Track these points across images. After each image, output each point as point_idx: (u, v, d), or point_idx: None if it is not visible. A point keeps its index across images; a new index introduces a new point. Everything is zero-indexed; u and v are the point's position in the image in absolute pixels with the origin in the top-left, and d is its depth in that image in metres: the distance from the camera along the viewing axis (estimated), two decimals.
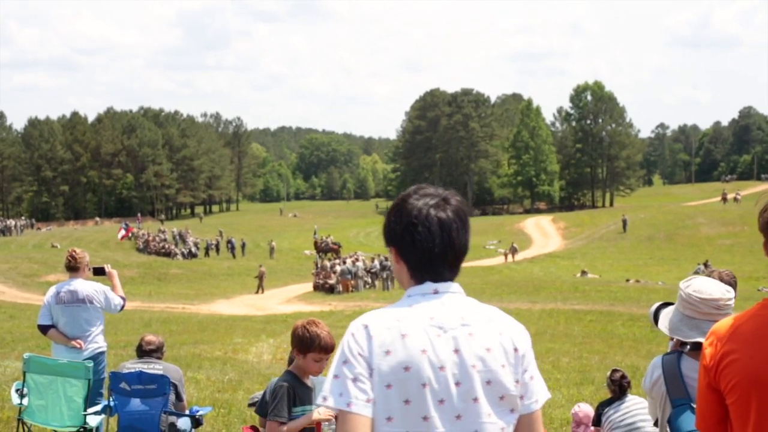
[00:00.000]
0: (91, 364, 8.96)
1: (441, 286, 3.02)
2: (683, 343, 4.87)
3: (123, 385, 8.37)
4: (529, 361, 3.04)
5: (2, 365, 17.37)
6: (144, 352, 8.91)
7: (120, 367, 8.76)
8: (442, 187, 3.12)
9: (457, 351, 2.89)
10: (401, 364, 2.83)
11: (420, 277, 3.05)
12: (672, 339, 5.29)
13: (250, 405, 9.22)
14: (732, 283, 5.55)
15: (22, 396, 9.03)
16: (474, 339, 2.92)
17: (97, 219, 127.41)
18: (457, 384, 2.86)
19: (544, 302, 38.08)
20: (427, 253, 3.01)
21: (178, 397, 8.65)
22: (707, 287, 4.76)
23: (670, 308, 5.02)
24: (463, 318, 2.95)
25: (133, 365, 8.70)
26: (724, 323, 3.22)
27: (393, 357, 2.84)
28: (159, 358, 8.93)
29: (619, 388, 9.04)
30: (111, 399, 8.46)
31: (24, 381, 9.08)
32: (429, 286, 3.02)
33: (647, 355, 21.99)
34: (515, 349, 2.99)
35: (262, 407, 7.82)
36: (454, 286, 3.05)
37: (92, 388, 8.93)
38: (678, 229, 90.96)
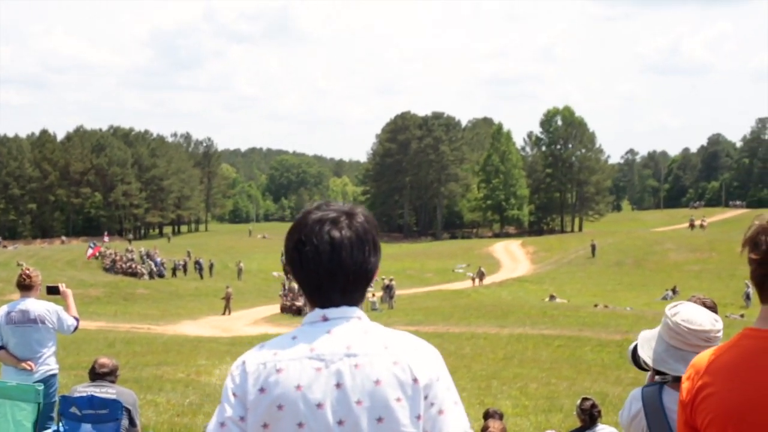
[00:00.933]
0: (41, 387, 8.55)
1: (331, 312, 2.72)
2: (662, 373, 4.55)
3: (73, 409, 8.02)
4: (437, 391, 2.64)
5: None
6: (97, 375, 8.57)
7: (71, 391, 8.40)
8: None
9: (339, 385, 2.58)
10: (274, 402, 2.58)
11: (312, 302, 2.78)
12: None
13: None
14: (715, 310, 5.25)
15: None
16: (360, 371, 2.59)
17: (63, 238, 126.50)
18: (339, 423, 2.56)
19: (512, 327, 37.93)
20: (314, 274, 2.72)
21: (132, 423, 8.31)
22: (697, 317, 4.41)
23: (650, 333, 4.68)
24: (350, 347, 2.64)
25: (84, 389, 8.35)
26: (703, 355, 2.89)
27: (267, 395, 2.59)
28: (112, 382, 8.59)
29: (590, 418, 8.83)
30: (61, 424, 8.12)
31: None
32: (317, 313, 2.74)
33: (616, 382, 21.82)
34: (414, 380, 2.59)
35: None
36: (348, 312, 2.73)
37: (42, 412, 8.52)
38: (646, 254, 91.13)
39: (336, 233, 2.72)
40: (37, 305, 9.54)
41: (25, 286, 9.62)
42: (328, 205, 2.86)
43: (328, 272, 2.70)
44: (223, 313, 52.26)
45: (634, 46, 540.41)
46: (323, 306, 2.73)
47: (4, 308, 9.60)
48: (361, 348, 2.63)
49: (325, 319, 2.70)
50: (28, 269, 9.81)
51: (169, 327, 44.34)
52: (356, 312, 2.74)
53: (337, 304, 2.72)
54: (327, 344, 2.64)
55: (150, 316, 51.07)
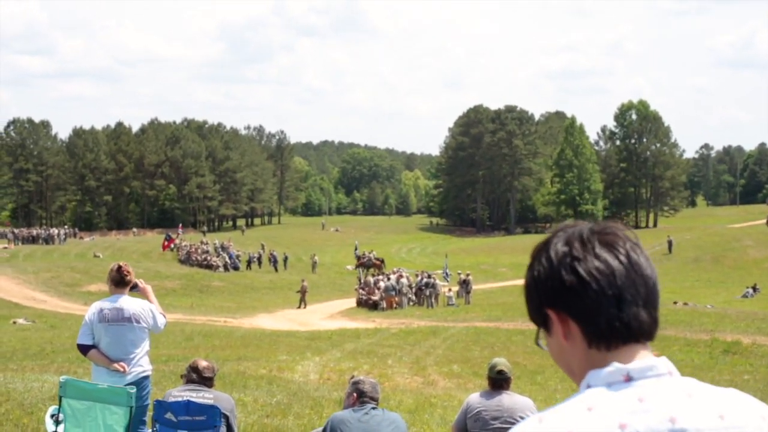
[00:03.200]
0: (133, 389, 8.05)
1: (635, 366, 1.89)
2: None
3: (169, 415, 7.56)
4: None
5: (41, 380, 16.71)
6: (193, 379, 8.08)
7: (166, 396, 7.92)
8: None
9: None
10: None
11: (597, 347, 1.93)
12: None
13: None
14: None
15: (57, 423, 8.22)
16: None
17: (134, 230, 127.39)
18: None
19: None
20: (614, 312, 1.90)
21: (230, 429, 7.83)
22: None
23: None
24: (675, 420, 1.81)
25: (180, 393, 7.87)
26: None
27: None
28: (210, 386, 8.12)
29: None
30: (155, 430, 7.67)
31: (60, 406, 8.24)
32: (615, 369, 1.88)
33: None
34: None
35: None
36: (658, 365, 1.91)
37: (134, 416, 8.05)
38: (725, 251, 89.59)
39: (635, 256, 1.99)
40: (132, 303, 9.03)
41: (122, 282, 9.09)
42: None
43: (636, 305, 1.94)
44: (299, 307, 51.97)
45: (706, 39, 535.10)
46: (621, 359, 1.92)
47: (97, 305, 9.06)
48: (690, 421, 1.82)
49: (629, 378, 1.88)
50: (125, 264, 9.27)
51: (246, 320, 44.13)
52: (667, 364, 1.93)
53: (635, 352, 1.93)
54: (642, 418, 1.81)
55: (226, 308, 51.02)
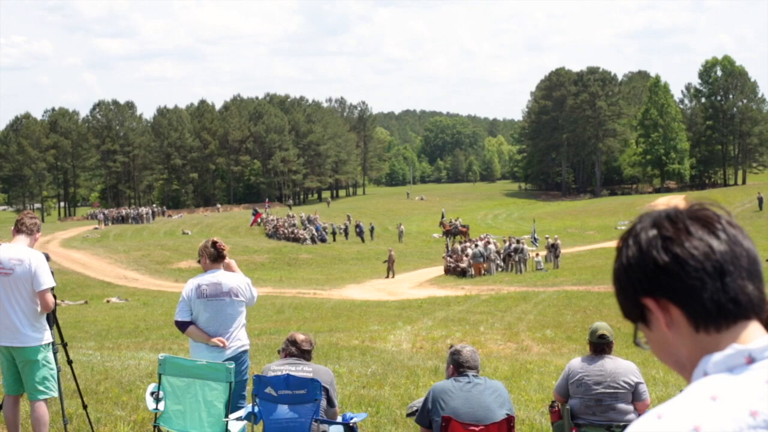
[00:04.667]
0: (232, 365, 8.00)
1: (756, 345, 1.72)
2: None
3: (269, 390, 7.52)
4: None
5: (137, 357, 16.93)
6: (292, 353, 8.04)
7: (265, 370, 7.87)
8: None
9: None
10: None
11: (711, 335, 1.77)
12: None
13: (409, 415, 8.34)
14: None
15: (157, 400, 8.23)
16: None
17: (219, 206, 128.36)
18: None
19: None
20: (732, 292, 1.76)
21: (330, 403, 7.77)
22: None
23: None
24: None
25: (279, 367, 7.81)
26: None
27: None
28: (309, 359, 8.06)
29: None
30: (255, 405, 7.64)
31: (159, 384, 8.26)
32: (736, 351, 1.72)
33: None
34: None
35: (423, 417, 7.08)
36: None
37: (234, 391, 8.04)
38: None
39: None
40: (229, 277, 8.99)
41: (222, 256, 9.07)
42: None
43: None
44: (387, 276, 52.06)
45: None
46: (733, 336, 1.77)
47: (194, 281, 9.03)
48: None
49: (752, 360, 1.71)
50: (218, 240, 9.25)
51: (335, 291, 44.31)
52: None
53: (749, 330, 1.78)
54: None
55: (315, 280, 51.26)
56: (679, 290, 1.75)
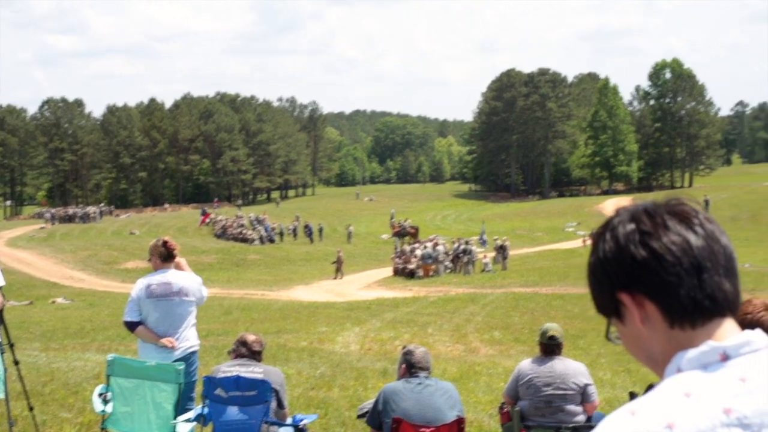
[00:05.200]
0: (182, 366, 7.96)
1: (731, 342, 1.71)
2: None
3: (219, 391, 7.49)
4: None
5: (83, 358, 16.80)
6: (243, 354, 8.01)
7: (215, 371, 7.84)
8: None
9: None
10: None
11: (686, 332, 1.77)
12: None
13: (359, 416, 8.35)
14: None
15: (105, 402, 8.17)
16: None
17: (167, 205, 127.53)
18: None
19: None
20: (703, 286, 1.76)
21: (280, 405, 7.74)
22: None
23: None
24: None
25: (229, 368, 7.78)
26: None
27: None
28: (259, 360, 8.04)
29: None
30: (204, 406, 7.61)
31: (108, 385, 8.19)
32: (710, 347, 1.71)
33: None
34: None
35: (374, 418, 7.10)
36: (753, 339, 1.73)
37: (183, 392, 8.00)
38: (762, 209, 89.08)
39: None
40: (180, 276, 8.96)
41: (171, 256, 9.03)
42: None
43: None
44: (335, 277, 52.08)
45: None
46: (707, 333, 1.77)
47: (144, 281, 8.98)
48: None
49: (726, 356, 1.70)
50: (168, 239, 9.21)
51: (283, 292, 44.26)
52: (763, 337, 1.75)
53: (724, 327, 1.78)
54: (748, 400, 1.61)
55: (263, 281, 51.17)
56: (655, 285, 1.75)
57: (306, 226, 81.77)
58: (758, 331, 1.75)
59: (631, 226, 1.81)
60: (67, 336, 24.88)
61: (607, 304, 1.85)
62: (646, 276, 1.76)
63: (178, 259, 9.18)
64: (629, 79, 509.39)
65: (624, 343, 1.88)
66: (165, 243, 9.03)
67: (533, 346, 8.71)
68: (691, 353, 1.71)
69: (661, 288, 1.75)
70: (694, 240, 1.76)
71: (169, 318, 8.78)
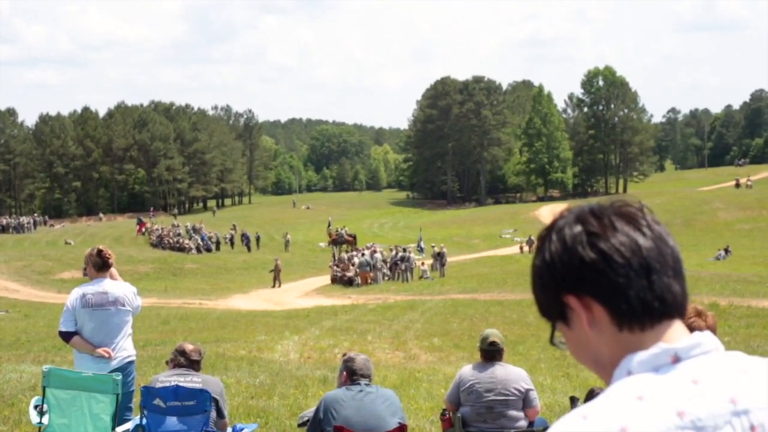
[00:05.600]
0: (119, 376, 7.84)
1: (682, 344, 1.68)
2: None
3: (157, 401, 7.38)
4: None
5: (18, 370, 16.50)
6: (181, 363, 7.90)
7: (153, 381, 7.73)
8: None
9: None
10: None
11: (635, 334, 1.74)
12: None
13: (300, 425, 8.26)
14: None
15: (41, 414, 8.01)
16: None
17: (101, 215, 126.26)
18: None
19: None
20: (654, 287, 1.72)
21: (220, 414, 7.66)
22: None
23: None
24: (736, 401, 1.61)
25: (167, 378, 7.67)
26: None
27: None
28: (198, 370, 7.93)
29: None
30: (143, 417, 7.49)
31: (44, 397, 8.03)
32: (661, 349, 1.68)
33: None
34: None
35: (314, 426, 7.03)
36: (705, 341, 1.70)
37: (121, 403, 7.87)
38: (695, 214, 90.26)
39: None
40: (115, 286, 8.84)
41: (107, 265, 8.90)
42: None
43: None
44: (273, 286, 51.89)
45: (668, 4, 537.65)
46: (657, 335, 1.73)
47: (78, 290, 8.84)
48: (752, 400, 1.63)
49: (677, 359, 1.67)
50: (104, 248, 9.07)
51: (221, 301, 44.06)
52: (713, 339, 1.73)
53: (673, 329, 1.74)
54: (701, 403, 1.60)
55: (200, 290, 50.86)
56: (604, 287, 1.70)
57: (243, 235, 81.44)
58: (708, 333, 1.71)
59: (578, 228, 1.77)
60: (2, 348, 24.48)
61: (553, 308, 1.80)
62: (595, 278, 1.71)
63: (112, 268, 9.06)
64: (563, 87, 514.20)
65: (570, 347, 1.83)
66: (100, 252, 8.89)
67: (473, 352, 8.70)
68: (642, 355, 1.68)
69: (609, 290, 1.70)
70: (643, 241, 1.72)
71: (105, 328, 8.65)
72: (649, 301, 1.69)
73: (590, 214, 1.78)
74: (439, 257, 53.55)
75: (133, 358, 8.94)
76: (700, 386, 1.61)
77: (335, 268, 53.78)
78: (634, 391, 1.61)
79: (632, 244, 1.71)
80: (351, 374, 7.13)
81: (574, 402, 8.08)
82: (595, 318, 1.73)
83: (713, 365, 1.65)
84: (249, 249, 78.38)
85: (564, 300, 1.75)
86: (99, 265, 8.83)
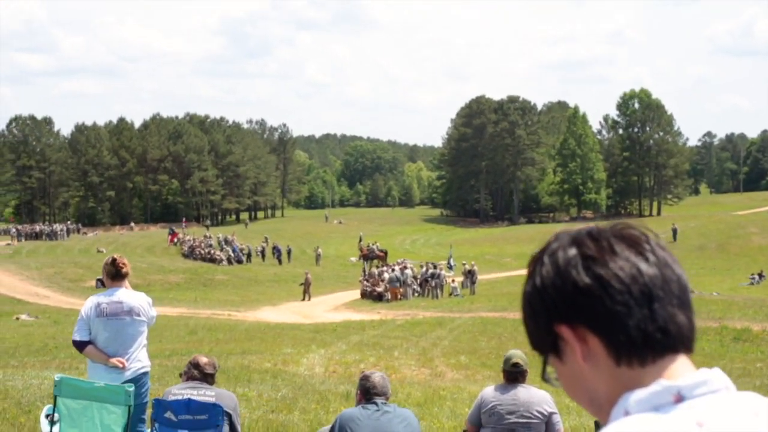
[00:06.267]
0: (132, 387, 7.68)
1: (685, 382, 1.47)
2: None
3: (168, 414, 7.20)
4: None
5: (40, 377, 16.41)
6: (194, 376, 7.71)
7: (165, 394, 7.55)
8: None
9: None
10: None
11: (634, 369, 1.55)
12: None
13: None
14: None
15: (52, 423, 7.85)
16: None
17: (133, 225, 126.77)
18: None
19: None
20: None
21: (233, 429, 7.47)
22: None
23: None
24: None
25: (180, 391, 7.49)
26: None
27: None
28: (211, 383, 7.74)
29: None
30: (154, 429, 7.31)
31: (55, 406, 7.86)
32: (663, 387, 1.48)
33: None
34: None
35: None
36: (711, 378, 1.49)
37: (133, 414, 7.69)
38: (729, 238, 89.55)
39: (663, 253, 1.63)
40: (130, 296, 8.67)
41: (121, 274, 8.74)
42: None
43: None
44: (303, 299, 51.77)
45: (704, 28, 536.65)
46: (659, 371, 1.53)
47: (93, 299, 8.69)
48: None
49: (680, 398, 1.47)
50: (120, 256, 8.91)
51: (250, 313, 43.98)
52: (722, 377, 1.50)
53: (678, 365, 1.54)
54: None
55: (230, 302, 50.78)
56: (600, 316, 1.52)
57: (274, 248, 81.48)
58: (717, 370, 1.52)
59: (573, 251, 1.59)
60: (29, 353, 24.48)
61: (544, 339, 1.61)
62: (590, 305, 1.54)
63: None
64: (598, 108, 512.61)
65: (563, 383, 1.63)
66: (114, 261, 8.73)
67: (500, 371, 8.46)
68: (640, 394, 1.50)
69: (606, 319, 1.53)
70: (645, 267, 1.55)
71: (120, 338, 8.48)
72: (651, 332, 1.53)
73: (588, 237, 1.61)
74: (469, 275, 53.30)
75: (148, 369, 8.76)
76: (705, 429, 1.42)
77: (365, 282, 53.63)
78: (627, 428, 1.46)
79: (633, 270, 1.55)
80: (365, 392, 6.92)
81: (598, 427, 7.84)
82: (591, 351, 1.55)
83: (721, 406, 1.45)
84: (280, 262, 78.38)
85: (556, 330, 1.58)
86: (113, 274, 8.68)
